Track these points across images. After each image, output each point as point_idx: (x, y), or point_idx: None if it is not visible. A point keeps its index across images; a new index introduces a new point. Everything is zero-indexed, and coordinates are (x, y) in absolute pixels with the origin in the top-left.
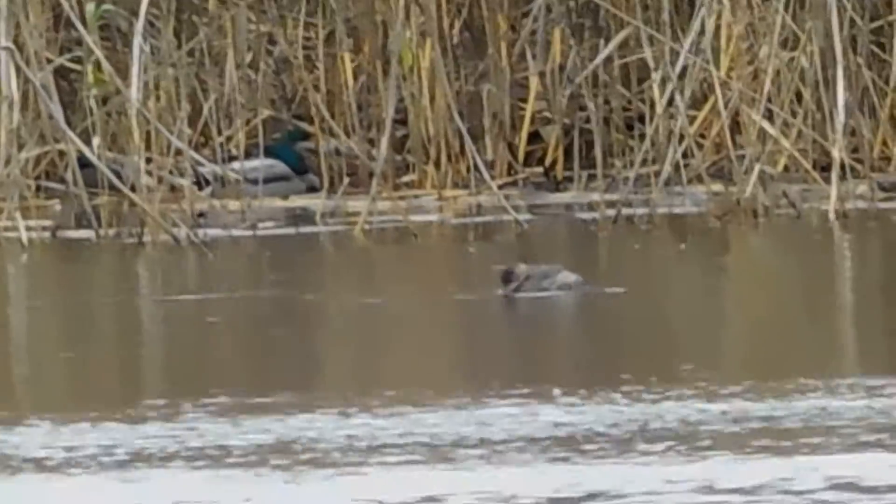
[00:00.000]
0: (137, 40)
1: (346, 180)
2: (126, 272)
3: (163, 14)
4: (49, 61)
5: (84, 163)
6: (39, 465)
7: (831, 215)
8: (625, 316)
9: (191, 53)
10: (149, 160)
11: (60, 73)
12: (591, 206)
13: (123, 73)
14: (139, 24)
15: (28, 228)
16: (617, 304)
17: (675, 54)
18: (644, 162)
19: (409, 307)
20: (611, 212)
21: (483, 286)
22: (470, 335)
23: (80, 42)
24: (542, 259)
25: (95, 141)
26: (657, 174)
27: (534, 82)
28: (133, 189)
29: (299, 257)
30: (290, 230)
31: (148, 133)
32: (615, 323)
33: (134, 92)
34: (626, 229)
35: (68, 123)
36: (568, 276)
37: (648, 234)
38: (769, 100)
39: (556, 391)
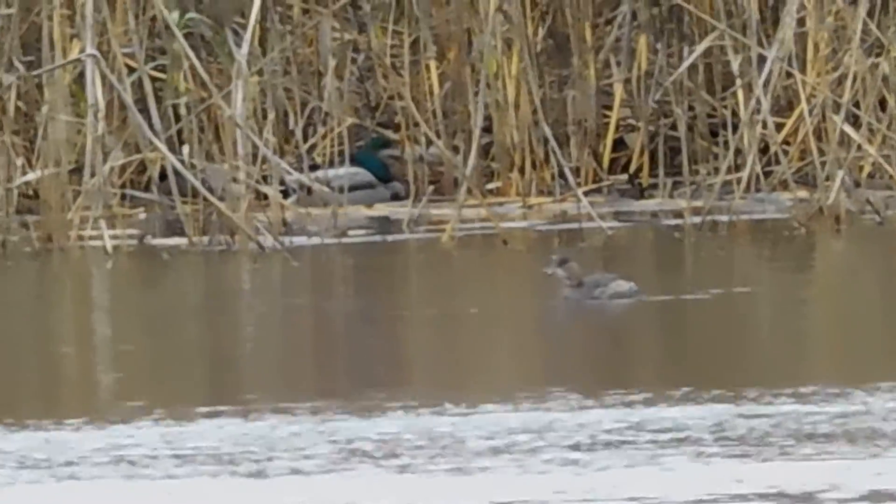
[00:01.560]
0: (244, 49)
1: (431, 188)
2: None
3: (246, 22)
4: (133, 70)
5: (166, 173)
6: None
7: None
8: (704, 322)
9: (279, 62)
10: (235, 169)
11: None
12: (675, 213)
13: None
14: (247, 34)
15: (113, 237)
16: (689, 312)
17: (760, 60)
18: (728, 169)
19: (509, 313)
20: (696, 219)
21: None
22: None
23: (164, 51)
24: (626, 266)
25: (186, 150)
26: (741, 181)
27: (618, 89)
28: (221, 197)
29: (388, 265)
30: (377, 238)
31: (234, 142)
32: (687, 329)
33: (239, 101)
34: (710, 236)
35: (153, 132)
36: (622, 285)
37: (731, 240)
38: (854, 105)
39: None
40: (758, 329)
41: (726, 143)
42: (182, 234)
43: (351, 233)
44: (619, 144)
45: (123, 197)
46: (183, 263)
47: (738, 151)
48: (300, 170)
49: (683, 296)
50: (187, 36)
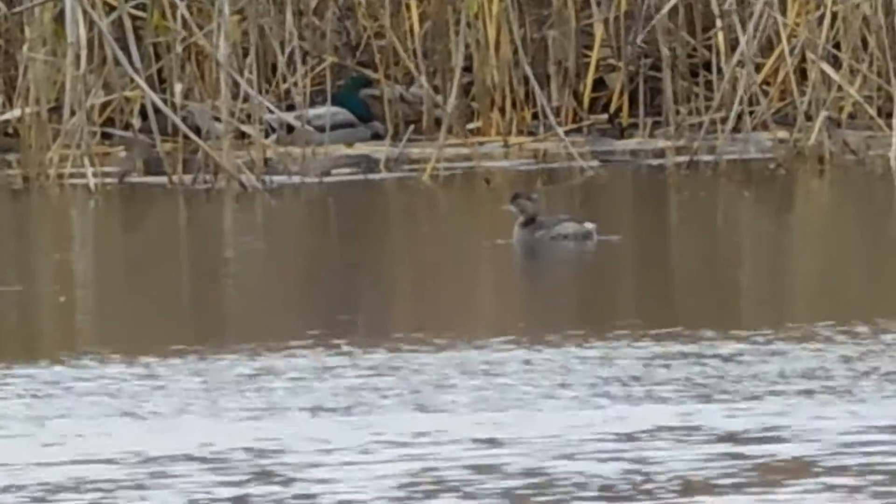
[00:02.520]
0: None
1: (411, 127)
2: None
3: None
4: (113, 8)
5: (153, 110)
6: None
7: (893, 162)
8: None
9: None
10: (217, 108)
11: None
12: (656, 153)
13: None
14: None
15: (94, 175)
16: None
17: (741, 1)
18: (709, 109)
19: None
20: (676, 158)
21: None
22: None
23: None
24: (602, 206)
25: (178, 87)
26: (723, 121)
27: (599, 29)
28: (203, 135)
29: (366, 205)
30: (358, 177)
31: (216, 80)
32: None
33: (221, 40)
34: (692, 176)
35: (134, 70)
36: (567, 227)
37: (714, 180)
38: (834, 46)
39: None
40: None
41: (708, 83)
42: (163, 173)
43: (333, 172)
44: (599, 84)
45: (104, 136)
46: (164, 202)
47: (718, 92)
48: (281, 109)
49: (645, 237)
50: None
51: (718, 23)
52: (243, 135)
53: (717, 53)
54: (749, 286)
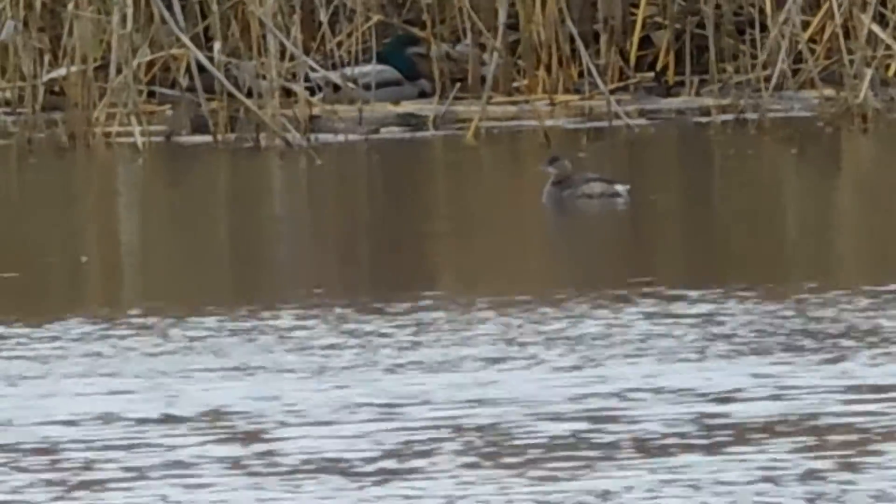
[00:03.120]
0: None
1: (457, 85)
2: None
3: None
4: None
5: (199, 68)
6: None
7: None
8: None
9: None
10: (262, 66)
11: None
12: (702, 111)
13: None
14: None
15: (142, 133)
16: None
17: None
18: (754, 67)
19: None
20: (722, 117)
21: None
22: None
23: None
24: (653, 162)
25: (216, 46)
26: (768, 79)
27: None
28: (249, 94)
29: (410, 164)
30: (403, 135)
31: (262, 38)
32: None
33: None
34: (738, 133)
35: (180, 29)
36: (593, 188)
37: (759, 138)
38: (881, 4)
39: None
40: (722, 232)
41: (753, 41)
42: (209, 131)
43: (381, 129)
44: (645, 42)
45: (150, 94)
46: (209, 160)
47: (766, 51)
48: (327, 67)
49: (683, 195)
50: None
51: None
52: (289, 93)
53: (763, 11)
54: (782, 245)
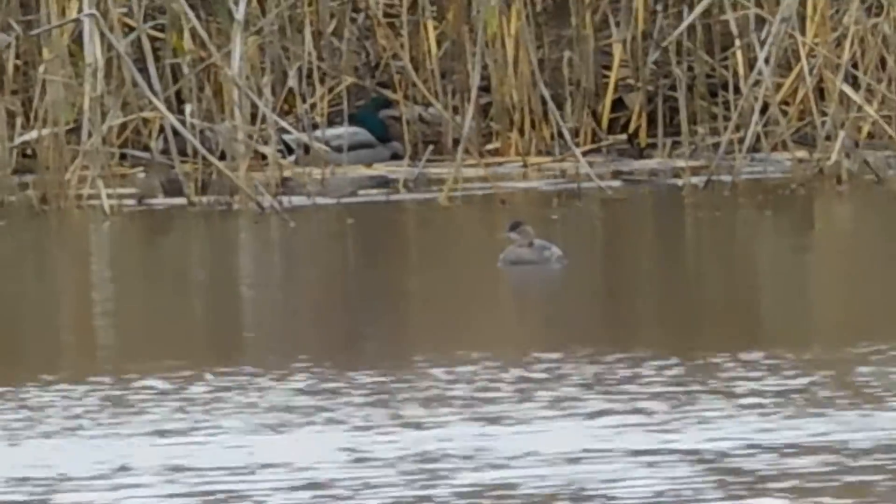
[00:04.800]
0: (242, 7)
1: (430, 148)
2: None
3: None
4: (132, 29)
5: (172, 131)
6: None
7: None
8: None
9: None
10: (234, 128)
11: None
12: (675, 173)
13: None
14: None
15: (111, 196)
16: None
17: (759, 21)
18: (727, 129)
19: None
20: (695, 178)
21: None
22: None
23: (162, 10)
24: (629, 223)
25: (188, 108)
26: (741, 141)
27: (617, 49)
28: (222, 157)
29: (383, 227)
30: (377, 198)
31: (234, 101)
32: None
33: (236, 60)
34: (711, 195)
35: (152, 91)
36: (517, 252)
37: (732, 200)
38: (853, 66)
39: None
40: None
41: (725, 103)
42: (182, 194)
43: (353, 192)
44: (618, 104)
45: (122, 157)
46: (182, 223)
47: (738, 112)
48: (299, 129)
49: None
50: None
51: (737, 42)
52: (262, 156)
53: (736, 73)
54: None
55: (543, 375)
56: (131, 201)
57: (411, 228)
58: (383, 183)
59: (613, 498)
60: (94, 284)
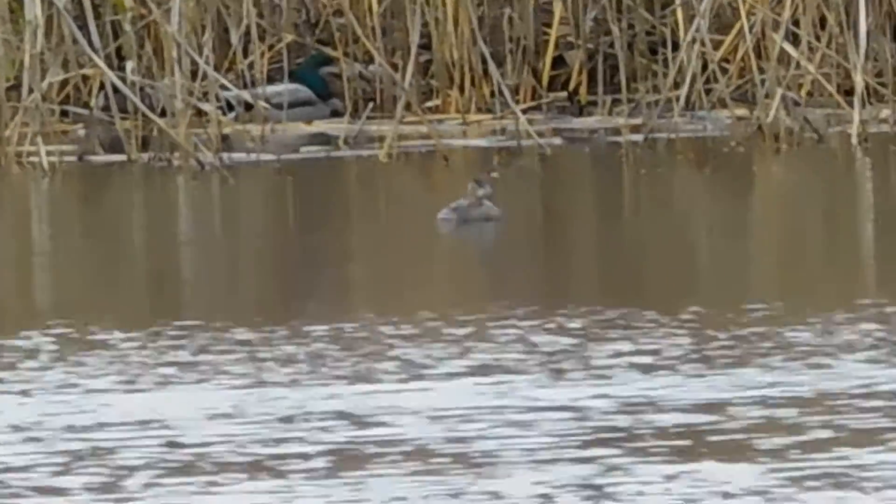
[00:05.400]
0: None
1: (370, 105)
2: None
3: None
4: None
5: (113, 88)
6: None
7: (854, 140)
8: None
9: None
10: (174, 85)
11: None
12: (615, 131)
13: None
14: None
15: (51, 153)
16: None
17: None
18: (667, 87)
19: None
20: (635, 136)
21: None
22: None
23: None
24: (568, 180)
25: (129, 65)
26: (680, 99)
27: (558, 7)
28: (163, 114)
29: (321, 183)
30: (316, 155)
31: (175, 57)
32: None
33: (176, 17)
34: (651, 153)
35: (93, 48)
36: (444, 213)
37: (672, 158)
38: (793, 23)
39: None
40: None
41: (665, 61)
42: (122, 151)
43: (294, 149)
44: (558, 62)
45: (63, 114)
46: (122, 180)
47: (677, 70)
48: (239, 86)
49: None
50: None
51: (677, 0)
52: (202, 113)
53: (676, 31)
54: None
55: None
56: (71, 158)
57: (351, 185)
58: (324, 140)
59: (491, 453)
60: (34, 241)
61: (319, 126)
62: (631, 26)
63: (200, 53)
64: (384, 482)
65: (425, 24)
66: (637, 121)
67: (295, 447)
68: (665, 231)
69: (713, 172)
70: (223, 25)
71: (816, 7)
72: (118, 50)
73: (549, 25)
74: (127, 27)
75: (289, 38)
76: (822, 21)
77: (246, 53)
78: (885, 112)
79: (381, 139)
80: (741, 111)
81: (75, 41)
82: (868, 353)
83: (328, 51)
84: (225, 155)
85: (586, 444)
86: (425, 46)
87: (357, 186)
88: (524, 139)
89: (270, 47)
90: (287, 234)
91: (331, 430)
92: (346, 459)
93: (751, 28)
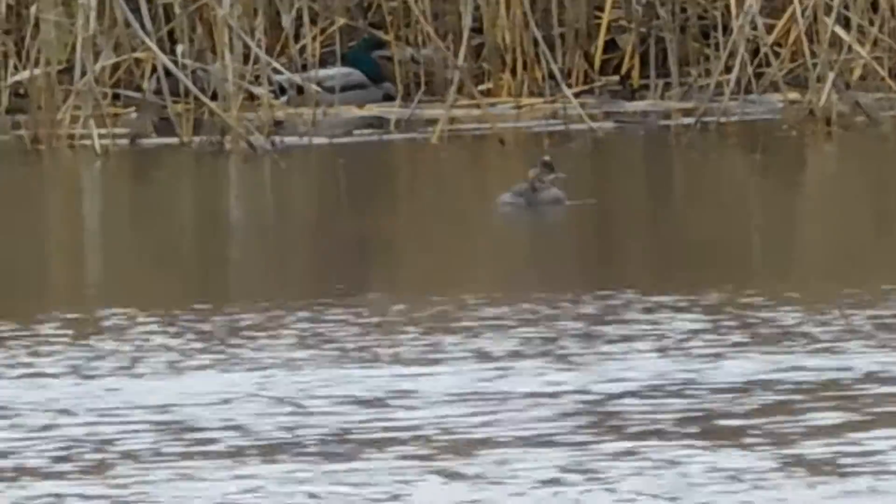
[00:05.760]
0: None
1: (422, 88)
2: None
3: None
4: None
5: (165, 71)
6: None
7: None
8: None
9: None
10: (226, 69)
11: None
12: (666, 114)
13: None
14: None
15: (103, 136)
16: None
17: None
18: (719, 70)
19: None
20: (686, 120)
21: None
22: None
23: None
24: (620, 164)
25: (179, 49)
26: (731, 82)
27: None
28: (214, 97)
29: (375, 167)
30: (369, 138)
31: (226, 41)
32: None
33: (228, 0)
34: (702, 137)
35: (145, 32)
36: (505, 197)
37: (723, 142)
38: (845, 7)
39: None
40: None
41: (717, 44)
42: (174, 134)
43: (346, 132)
44: (610, 46)
45: (115, 97)
46: (173, 163)
47: (729, 53)
48: (291, 70)
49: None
50: None
51: None
52: (254, 97)
53: (727, 14)
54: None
55: (474, 317)
56: (123, 141)
57: (403, 168)
58: (376, 124)
59: (483, 440)
60: (86, 223)
61: (371, 109)
62: (683, 10)
63: (252, 37)
64: (389, 467)
65: (477, 8)
66: (689, 104)
67: (308, 431)
68: (713, 217)
69: (764, 156)
70: (275, 9)
71: None
72: (170, 33)
73: (601, 9)
74: (179, 10)
75: (341, 21)
76: (875, 5)
77: (298, 37)
78: None
79: (433, 122)
80: (793, 95)
81: (128, 24)
82: None
83: (380, 34)
84: (277, 138)
85: (590, 428)
86: (477, 30)
87: (409, 169)
88: (576, 123)
89: (322, 31)
90: (338, 218)
91: (342, 414)
92: (358, 443)
93: (803, 12)
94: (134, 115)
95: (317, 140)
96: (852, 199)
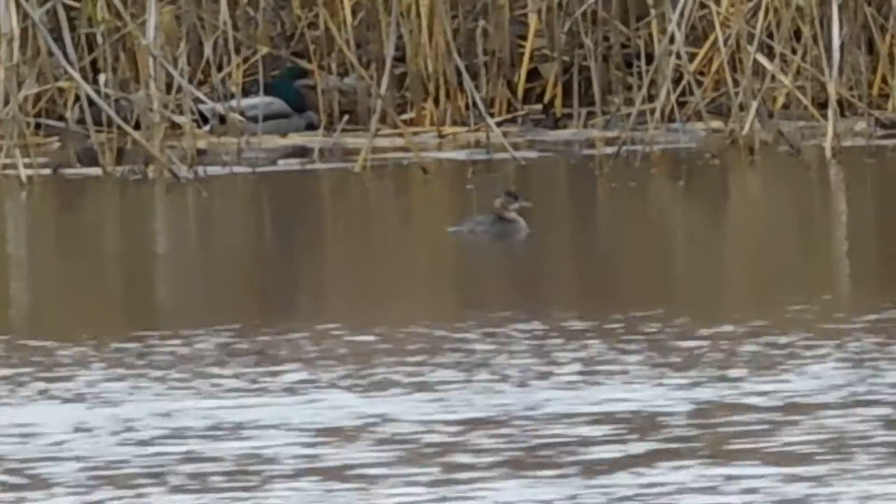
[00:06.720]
0: None
1: (345, 117)
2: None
3: None
4: None
5: (88, 100)
6: None
7: (828, 152)
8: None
9: None
10: (149, 98)
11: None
12: (590, 143)
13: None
14: None
15: (27, 166)
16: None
17: None
18: (643, 99)
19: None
20: (609, 149)
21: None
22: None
23: None
24: (543, 193)
25: (102, 78)
26: (655, 111)
27: (533, 19)
28: (138, 126)
29: (296, 196)
30: (292, 167)
31: (148, 71)
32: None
33: (151, 30)
34: (625, 166)
35: (68, 61)
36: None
37: (645, 171)
38: (768, 36)
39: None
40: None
41: (640, 73)
42: (97, 163)
43: (269, 161)
44: (533, 74)
45: (38, 126)
46: (97, 193)
47: (652, 82)
48: (214, 99)
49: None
50: None
51: (652, 12)
52: (178, 126)
53: (650, 43)
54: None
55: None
56: (47, 171)
57: (326, 197)
58: (299, 153)
59: (448, 464)
60: (9, 253)
61: (294, 139)
62: (606, 39)
63: (175, 66)
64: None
65: (400, 37)
66: (612, 133)
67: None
68: (636, 243)
69: (687, 185)
70: (198, 38)
71: (791, 20)
72: (93, 62)
73: (524, 38)
74: (101, 39)
75: (264, 50)
76: (797, 34)
77: (221, 66)
78: (860, 125)
79: (356, 152)
80: (716, 123)
81: (50, 53)
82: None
83: (303, 63)
84: (200, 168)
85: (584, 447)
86: (400, 59)
87: (331, 199)
88: (499, 152)
89: (245, 60)
90: (261, 247)
91: (301, 446)
92: (321, 470)
93: (725, 40)
94: (57, 145)
95: (239, 169)
96: (774, 226)
